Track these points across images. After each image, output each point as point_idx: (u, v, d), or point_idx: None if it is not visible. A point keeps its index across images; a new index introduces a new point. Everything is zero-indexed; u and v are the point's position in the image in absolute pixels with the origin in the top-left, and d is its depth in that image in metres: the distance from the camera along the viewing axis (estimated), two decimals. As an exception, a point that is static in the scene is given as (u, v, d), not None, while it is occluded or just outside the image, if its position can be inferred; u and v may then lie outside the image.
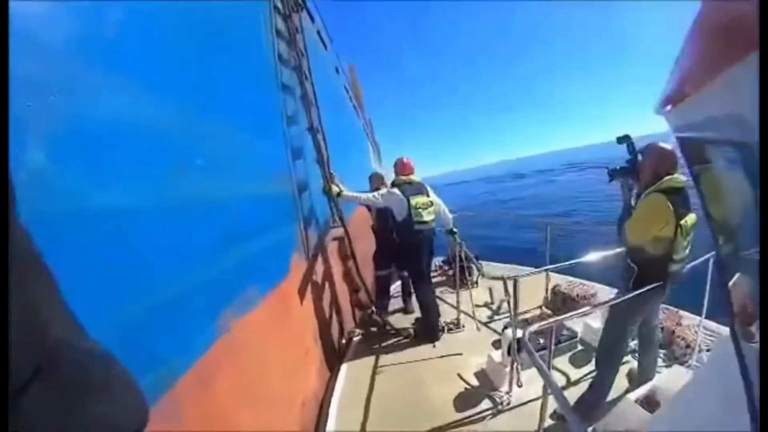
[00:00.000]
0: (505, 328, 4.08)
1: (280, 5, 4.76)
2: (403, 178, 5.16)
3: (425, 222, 5.01)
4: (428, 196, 5.15)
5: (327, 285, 5.21)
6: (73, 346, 0.60)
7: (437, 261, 8.22)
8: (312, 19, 7.43)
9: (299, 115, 4.92)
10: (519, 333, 3.46)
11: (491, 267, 7.71)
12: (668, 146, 3.13)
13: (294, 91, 4.85)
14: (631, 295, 3.09)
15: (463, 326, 5.57)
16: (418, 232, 4.99)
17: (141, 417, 0.69)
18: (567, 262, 4.24)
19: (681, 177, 3.03)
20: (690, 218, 3.05)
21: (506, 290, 3.71)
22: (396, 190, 4.95)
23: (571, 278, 6.39)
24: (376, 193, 5.05)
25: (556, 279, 6.10)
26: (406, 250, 5.15)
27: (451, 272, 7.14)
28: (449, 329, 5.48)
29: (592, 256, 4.02)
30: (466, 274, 6.51)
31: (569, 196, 33.23)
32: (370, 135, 27.52)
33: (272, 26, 4.50)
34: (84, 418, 0.56)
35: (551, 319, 2.88)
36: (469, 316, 5.60)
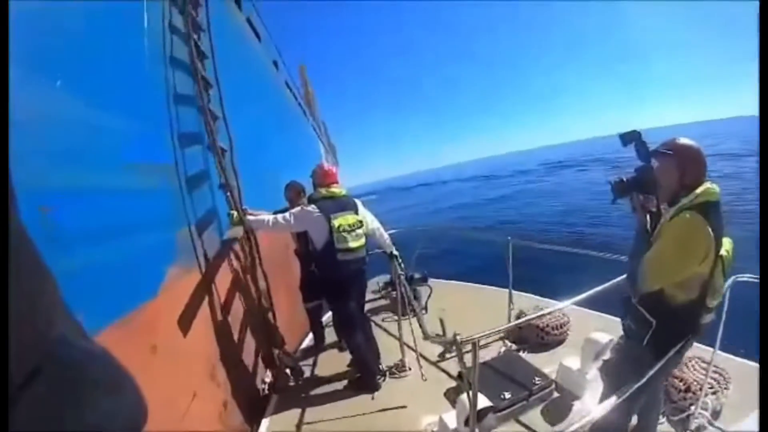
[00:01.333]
0: (459, 391, 3.20)
1: None
2: (323, 191, 4.03)
3: (351, 249, 3.93)
4: (356, 212, 4.06)
5: (236, 303, 4.27)
6: (73, 346, 0.58)
7: (380, 282, 7.21)
8: (239, 6, 6.84)
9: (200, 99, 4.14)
10: (480, 402, 2.65)
11: (444, 286, 6.84)
12: (694, 143, 2.28)
13: (188, 69, 4.05)
14: (657, 367, 2.26)
15: (410, 368, 4.57)
16: (342, 264, 3.92)
17: (139, 418, 0.68)
18: (542, 311, 3.32)
19: (715, 186, 2.20)
20: (728, 244, 2.24)
21: (459, 356, 2.59)
22: (312, 208, 3.86)
23: (538, 299, 5.61)
24: (286, 214, 3.97)
25: (521, 301, 5.25)
26: (329, 286, 4.16)
27: (395, 294, 6.00)
28: (392, 373, 4.52)
29: (575, 299, 3.05)
30: (411, 300, 5.76)
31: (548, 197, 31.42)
32: (324, 136, 26.98)
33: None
34: (82, 418, 0.55)
35: None
36: (411, 349, 4.58)
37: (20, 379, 0.45)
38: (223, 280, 4.02)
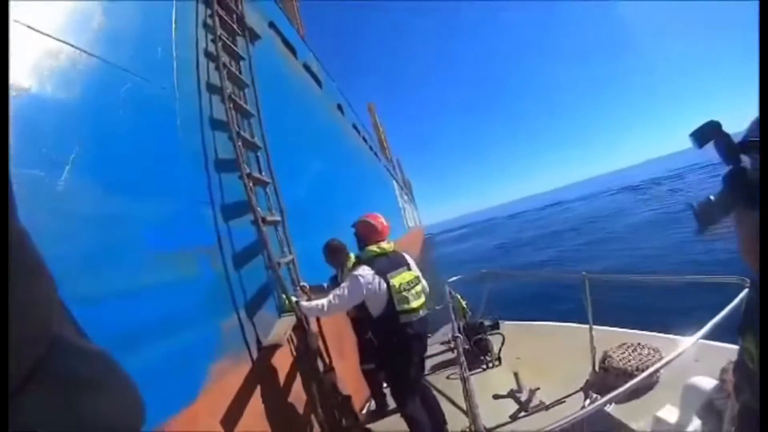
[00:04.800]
0: None
1: (211, 23, 3.89)
2: (375, 248, 3.50)
3: (414, 309, 3.40)
4: (410, 269, 3.57)
5: (296, 386, 3.85)
6: (72, 345, 0.58)
7: (447, 334, 6.10)
8: (294, 53, 6.75)
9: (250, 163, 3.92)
10: None
11: (517, 329, 5.86)
12: None
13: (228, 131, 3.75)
14: None
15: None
16: (406, 326, 3.38)
17: (138, 417, 0.68)
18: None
19: None
20: None
21: None
22: (365, 270, 3.33)
23: (623, 332, 4.68)
24: (337, 290, 3.40)
25: (604, 338, 4.31)
26: (389, 353, 3.55)
27: (465, 347, 5.00)
28: None
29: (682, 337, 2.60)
30: (481, 350, 5.01)
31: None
32: (399, 174, 26.75)
33: (197, 47, 3.66)
34: (82, 417, 0.55)
35: None
36: (466, 415, 3.70)
37: (19, 379, 0.46)
38: (280, 364, 3.62)
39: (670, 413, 3.00)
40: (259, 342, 3.37)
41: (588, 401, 3.77)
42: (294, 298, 3.60)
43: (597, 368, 4.02)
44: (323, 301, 3.41)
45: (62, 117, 2.16)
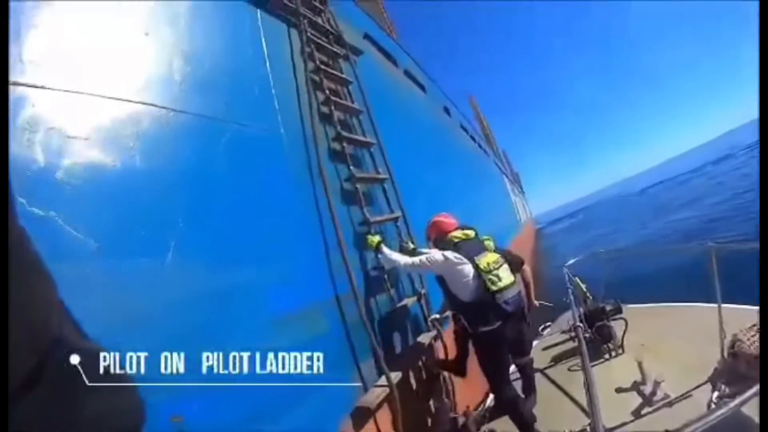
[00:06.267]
0: None
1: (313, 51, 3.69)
2: (459, 234, 3.47)
3: (507, 286, 3.28)
4: (494, 251, 3.54)
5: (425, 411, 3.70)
6: (72, 345, 0.60)
7: (568, 321, 5.43)
8: (395, 63, 6.59)
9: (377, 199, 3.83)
10: None
11: (641, 313, 5.33)
12: None
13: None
14: None
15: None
16: (503, 304, 3.21)
17: (139, 416, 0.70)
18: None
19: None
20: None
21: None
22: (451, 254, 3.25)
23: (756, 310, 3.82)
24: (423, 256, 3.38)
25: (735, 319, 3.60)
26: (485, 335, 3.30)
27: (586, 335, 4.51)
28: None
29: None
30: (603, 337, 4.58)
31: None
32: (506, 167, 25.71)
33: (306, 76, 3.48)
34: (83, 415, 0.58)
35: None
36: (584, 413, 3.48)
37: (21, 378, 0.47)
38: (407, 395, 3.40)
39: None
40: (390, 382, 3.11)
41: (716, 393, 3.29)
42: (377, 239, 3.50)
43: (726, 354, 3.45)
44: (405, 258, 3.46)
45: (157, 189, 2.01)
